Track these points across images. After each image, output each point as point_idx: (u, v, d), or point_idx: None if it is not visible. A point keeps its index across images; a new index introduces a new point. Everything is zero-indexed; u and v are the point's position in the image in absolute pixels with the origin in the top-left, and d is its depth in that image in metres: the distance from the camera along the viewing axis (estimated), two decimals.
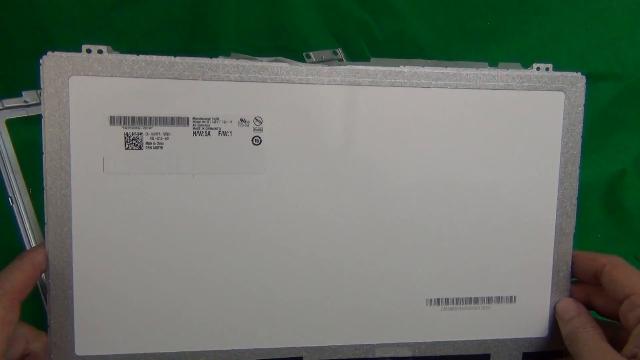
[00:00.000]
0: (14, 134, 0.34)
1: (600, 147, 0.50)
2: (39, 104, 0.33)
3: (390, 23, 0.46)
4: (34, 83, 0.31)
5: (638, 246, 0.50)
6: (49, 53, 0.31)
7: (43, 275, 0.33)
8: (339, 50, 0.34)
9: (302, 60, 0.35)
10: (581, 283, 0.37)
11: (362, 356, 0.35)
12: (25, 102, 0.33)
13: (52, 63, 0.31)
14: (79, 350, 0.33)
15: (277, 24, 0.46)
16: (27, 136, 0.34)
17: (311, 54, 0.37)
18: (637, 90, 0.49)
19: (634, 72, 0.49)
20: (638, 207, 0.51)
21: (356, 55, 0.44)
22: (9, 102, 0.34)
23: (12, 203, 0.35)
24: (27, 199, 0.35)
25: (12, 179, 0.34)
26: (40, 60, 0.31)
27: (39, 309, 0.34)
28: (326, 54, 0.37)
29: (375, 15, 0.46)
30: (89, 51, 0.31)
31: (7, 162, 0.34)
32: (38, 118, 0.31)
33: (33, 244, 0.35)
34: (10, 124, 0.34)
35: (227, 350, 0.34)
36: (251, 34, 0.44)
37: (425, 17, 0.46)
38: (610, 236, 0.51)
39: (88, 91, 0.31)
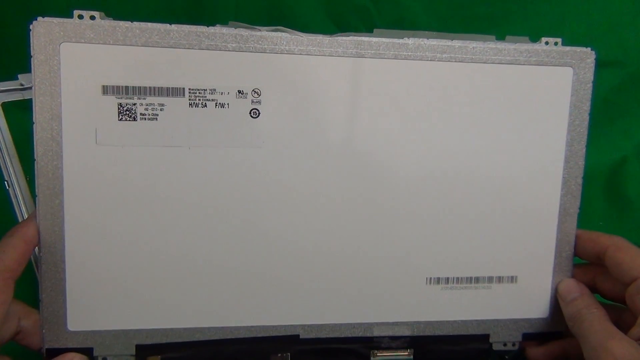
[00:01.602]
0: (10, 123, 0.34)
1: (602, 134, 0.50)
2: None
3: (391, 9, 0.45)
4: (30, 67, 0.30)
5: None
6: (39, 19, 0.30)
7: (36, 248, 0.32)
8: None
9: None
10: (585, 265, 0.36)
11: (360, 335, 0.35)
12: (21, 85, 0.33)
13: (42, 29, 0.30)
14: (71, 326, 0.32)
15: (276, 10, 0.45)
16: (25, 125, 0.33)
17: None
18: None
19: (636, 59, 0.48)
20: None
21: None
22: (4, 85, 0.33)
23: (9, 187, 0.34)
24: (23, 182, 0.34)
25: (8, 162, 0.33)
26: (30, 26, 0.30)
27: (31, 283, 0.34)
28: None
29: (375, 1, 0.45)
30: (80, 17, 0.30)
31: (3, 145, 0.33)
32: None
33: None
34: (7, 112, 0.33)
35: (222, 327, 0.34)
36: (250, 20, 0.44)
37: (426, 3, 0.46)
38: (612, 224, 0.50)
39: (80, 59, 0.30)
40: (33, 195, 0.32)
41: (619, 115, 0.50)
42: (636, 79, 0.49)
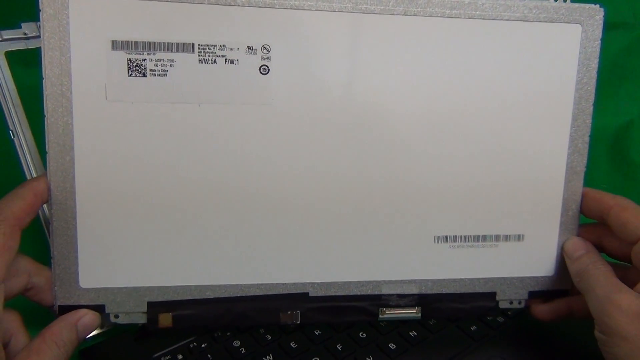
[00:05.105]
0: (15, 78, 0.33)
1: (609, 97, 0.50)
2: (39, 36, 0.32)
3: None
4: (33, 16, 0.30)
5: None
6: None
7: (46, 208, 0.32)
8: None
9: None
10: (592, 225, 0.37)
11: (369, 292, 0.35)
12: (25, 34, 0.32)
13: None
14: (83, 283, 0.32)
15: None
16: (30, 80, 0.33)
17: None
18: None
19: None
20: None
21: None
22: (7, 34, 0.32)
23: (14, 136, 0.34)
24: (28, 133, 0.34)
25: (13, 112, 0.33)
26: None
27: (42, 246, 0.34)
28: None
29: None
30: None
31: (7, 95, 0.33)
32: (39, 60, 0.30)
33: (35, 176, 0.35)
34: (11, 67, 0.33)
35: (233, 285, 0.34)
36: None
37: None
38: (616, 187, 0.51)
39: (89, 13, 0.30)
40: (39, 146, 0.31)
41: (626, 79, 0.50)
42: None
